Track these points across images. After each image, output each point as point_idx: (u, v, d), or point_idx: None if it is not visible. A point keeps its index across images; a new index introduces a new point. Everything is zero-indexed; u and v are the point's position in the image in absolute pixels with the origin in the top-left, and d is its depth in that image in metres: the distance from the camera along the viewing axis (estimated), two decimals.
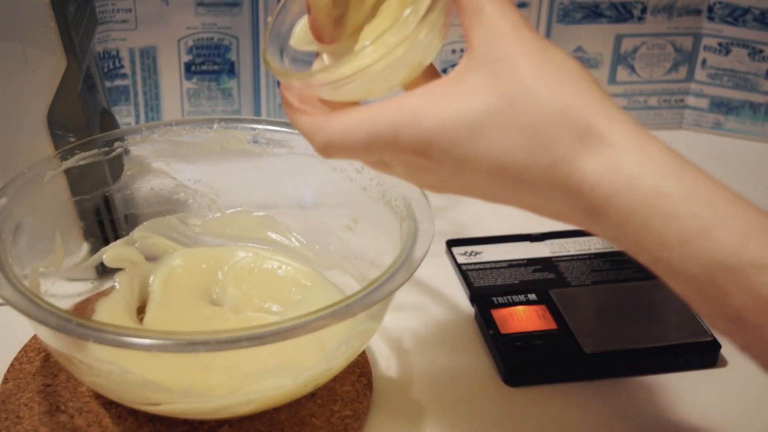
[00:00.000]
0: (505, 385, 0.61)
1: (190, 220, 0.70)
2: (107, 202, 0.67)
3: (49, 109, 0.64)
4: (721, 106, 0.96)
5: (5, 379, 0.59)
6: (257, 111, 0.90)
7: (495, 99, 0.41)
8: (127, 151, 0.66)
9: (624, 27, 0.91)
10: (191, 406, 0.53)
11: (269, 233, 0.70)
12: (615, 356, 0.62)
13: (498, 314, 0.65)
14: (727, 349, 0.63)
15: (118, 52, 0.84)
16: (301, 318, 0.48)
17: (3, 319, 0.60)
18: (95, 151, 0.64)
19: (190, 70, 0.87)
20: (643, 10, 0.91)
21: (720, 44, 0.92)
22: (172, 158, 0.68)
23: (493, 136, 0.41)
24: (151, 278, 0.66)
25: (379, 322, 0.57)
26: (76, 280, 0.67)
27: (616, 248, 0.42)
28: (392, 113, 0.43)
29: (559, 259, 0.72)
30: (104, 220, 0.67)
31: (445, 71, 0.87)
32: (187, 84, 0.87)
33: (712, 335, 0.64)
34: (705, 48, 0.93)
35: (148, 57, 0.85)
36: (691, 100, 0.97)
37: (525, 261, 0.72)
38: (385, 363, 0.63)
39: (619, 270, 0.71)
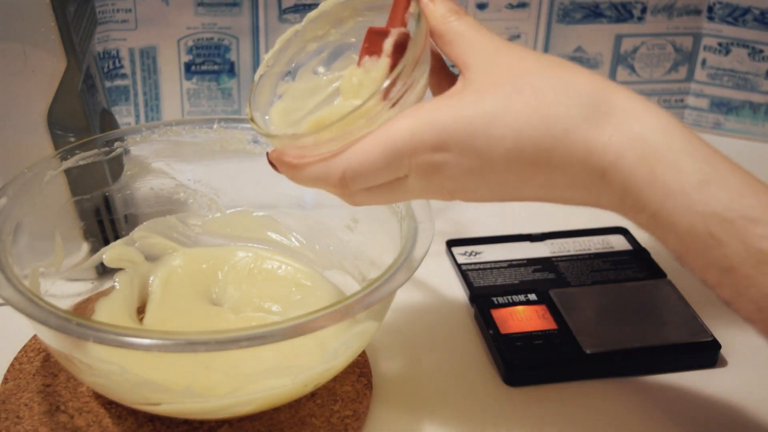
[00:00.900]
0: (505, 385, 0.61)
1: (190, 220, 0.70)
2: (107, 202, 0.67)
3: (49, 109, 0.64)
4: (721, 106, 0.96)
5: (5, 379, 0.59)
6: None
7: (505, 91, 0.45)
8: (127, 151, 0.66)
9: (624, 27, 0.91)
10: (191, 406, 0.53)
11: (269, 233, 0.70)
12: (615, 356, 0.62)
13: (498, 314, 0.65)
14: (727, 349, 0.63)
15: (118, 52, 0.84)
16: (301, 318, 0.48)
17: (3, 319, 0.60)
18: (95, 151, 0.64)
19: (190, 70, 0.87)
20: (643, 10, 0.91)
21: (720, 44, 0.92)
22: (172, 158, 0.68)
23: (507, 121, 0.44)
24: (151, 278, 0.66)
25: (380, 322, 0.57)
26: (76, 280, 0.67)
27: (617, 216, 0.46)
28: (407, 122, 0.46)
29: (559, 259, 0.72)
30: (104, 220, 0.67)
31: None
32: (187, 84, 0.87)
33: (712, 335, 0.64)
34: (705, 48, 0.93)
35: (148, 57, 0.85)
36: (691, 100, 0.97)
37: (525, 261, 0.72)
38: (385, 363, 0.63)
39: (619, 270, 0.71)
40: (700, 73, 0.95)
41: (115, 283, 0.65)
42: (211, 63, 0.87)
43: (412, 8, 0.48)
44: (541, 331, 0.64)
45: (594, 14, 0.90)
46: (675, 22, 0.92)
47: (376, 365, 0.62)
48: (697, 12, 0.91)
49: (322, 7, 0.52)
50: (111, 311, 0.62)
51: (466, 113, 0.45)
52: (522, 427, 0.58)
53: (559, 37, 0.90)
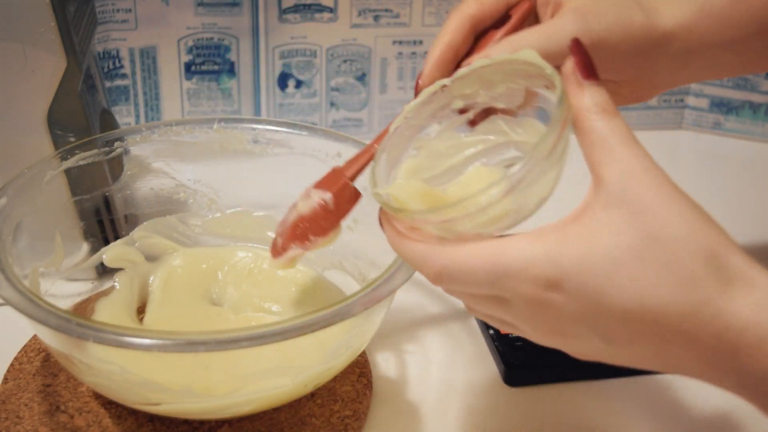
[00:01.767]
0: (505, 385, 0.61)
1: (190, 220, 0.70)
2: (107, 202, 0.67)
3: (49, 109, 0.64)
4: (721, 106, 0.96)
5: (5, 379, 0.59)
6: (257, 111, 0.90)
7: (637, 237, 0.40)
8: (127, 151, 0.66)
9: None
10: (191, 406, 0.53)
11: (269, 233, 0.70)
12: None
13: None
14: None
15: (118, 52, 0.84)
16: (301, 318, 0.48)
17: (3, 319, 0.60)
18: (95, 151, 0.64)
19: (190, 70, 0.87)
20: None
21: None
22: (172, 158, 0.68)
23: (635, 272, 0.40)
24: (151, 278, 0.66)
25: (379, 322, 0.57)
26: (76, 280, 0.67)
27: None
28: (523, 246, 0.42)
29: None
30: (104, 220, 0.67)
31: None
32: (187, 84, 0.87)
33: None
34: None
35: (148, 57, 0.85)
36: (691, 100, 0.97)
37: None
38: (385, 363, 0.63)
39: None
40: None
41: (115, 283, 0.65)
42: (211, 63, 0.87)
43: (557, 85, 0.43)
44: None
45: None
46: None
47: (376, 365, 0.62)
48: None
49: (473, 65, 0.49)
50: (111, 311, 0.62)
51: (592, 252, 0.40)
52: (522, 427, 0.58)
53: None
